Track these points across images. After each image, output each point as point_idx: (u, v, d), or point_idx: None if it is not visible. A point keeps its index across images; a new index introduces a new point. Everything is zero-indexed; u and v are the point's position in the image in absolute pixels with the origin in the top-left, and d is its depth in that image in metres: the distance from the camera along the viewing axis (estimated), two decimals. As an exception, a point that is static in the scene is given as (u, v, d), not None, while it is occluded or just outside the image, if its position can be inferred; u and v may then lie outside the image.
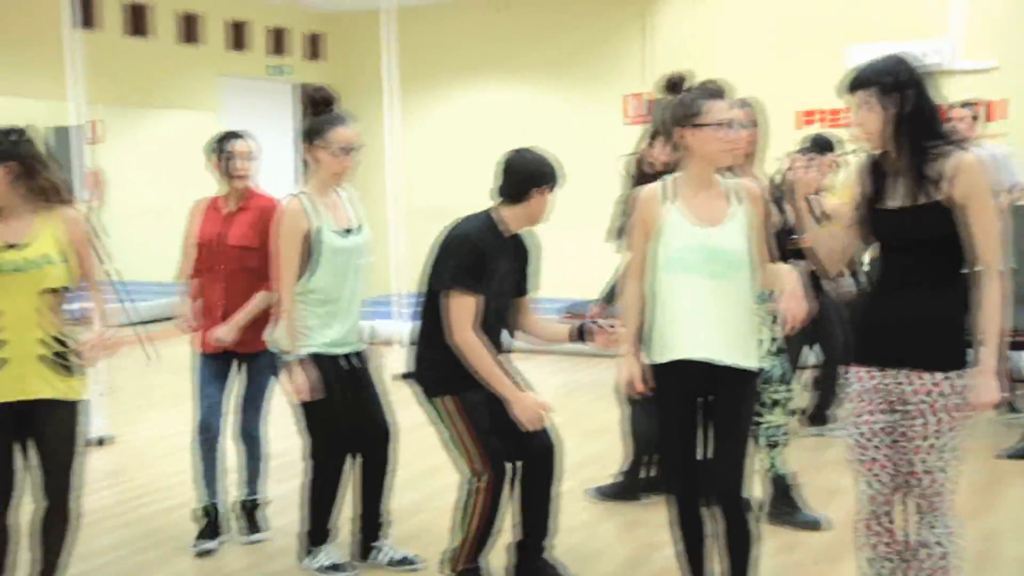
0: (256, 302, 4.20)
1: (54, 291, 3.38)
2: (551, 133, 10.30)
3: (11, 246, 3.31)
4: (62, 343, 3.41)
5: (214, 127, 4.69)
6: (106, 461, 5.75)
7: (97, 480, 5.16)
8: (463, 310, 3.53)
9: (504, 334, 3.79)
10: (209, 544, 4.34)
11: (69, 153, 6.52)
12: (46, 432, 3.42)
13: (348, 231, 3.92)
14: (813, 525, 4.42)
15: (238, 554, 4.32)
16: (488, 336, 3.61)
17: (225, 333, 4.21)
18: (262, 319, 4.16)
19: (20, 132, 3.35)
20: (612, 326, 3.62)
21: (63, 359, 3.41)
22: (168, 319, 9.81)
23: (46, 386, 3.37)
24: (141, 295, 9.88)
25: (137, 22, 9.34)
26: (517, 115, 10.30)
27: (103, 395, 6.11)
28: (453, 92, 10.95)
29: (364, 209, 4.07)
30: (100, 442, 5.99)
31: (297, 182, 11.23)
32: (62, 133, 6.84)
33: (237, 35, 10.31)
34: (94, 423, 5.58)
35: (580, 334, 3.73)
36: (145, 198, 11.56)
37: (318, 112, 3.87)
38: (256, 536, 4.43)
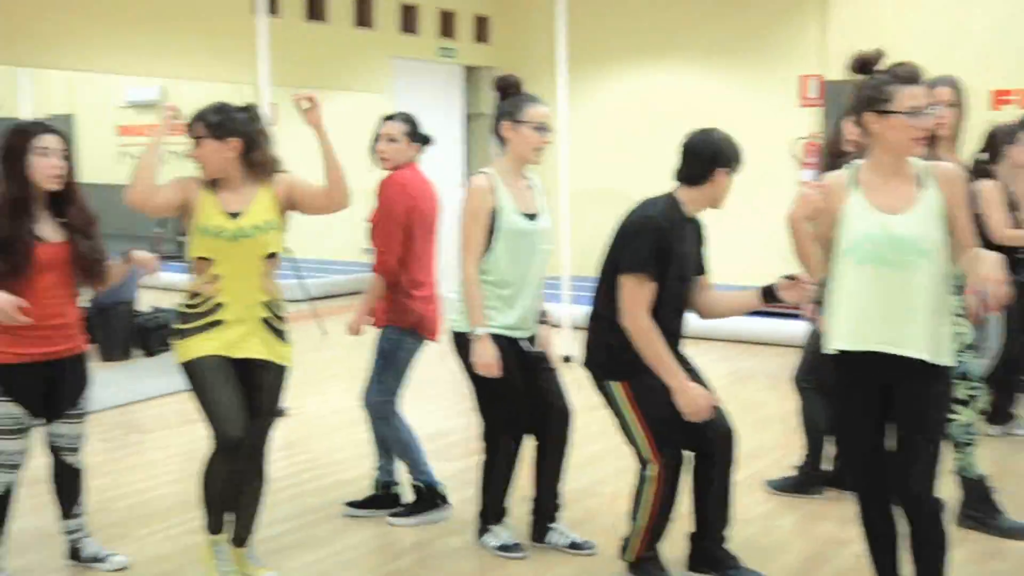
0: (372, 284, 4.32)
1: (270, 256, 3.55)
2: (720, 115, 9.98)
3: (232, 215, 3.49)
4: (275, 310, 3.61)
5: (383, 109, 4.73)
6: (281, 432, 5.91)
7: (273, 450, 5.31)
8: (638, 294, 3.47)
9: (682, 320, 3.70)
10: (351, 510, 4.51)
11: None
12: (256, 392, 3.59)
13: (530, 215, 3.91)
14: (1016, 533, 4.14)
15: (411, 530, 4.36)
16: (668, 322, 3.54)
17: (351, 322, 4.40)
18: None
19: (247, 110, 3.57)
20: (803, 280, 3.42)
21: (277, 324, 3.60)
22: (337, 296, 10.16)
23: (262, 347, 3.57)
24: (313, 272, 10.21)
25: (315, 7, 9.59)
26: (686, 97, 10.08)
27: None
28: (619, 73, 10.79)
29: (545, 198, 4.06)
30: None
31: (466, 163, 11.41)
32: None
33: (408, 18, 10.46)
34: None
35: (768, 295, 3.56)
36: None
37: (508, 95, 3.90)
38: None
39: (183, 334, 3.55)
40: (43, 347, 3.60)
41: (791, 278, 3.48)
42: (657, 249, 3.47)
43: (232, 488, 3.63)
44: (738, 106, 9.61)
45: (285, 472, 5.17)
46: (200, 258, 3.54)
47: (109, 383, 6.84)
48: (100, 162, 13.25)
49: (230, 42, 8.33)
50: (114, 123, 14.01)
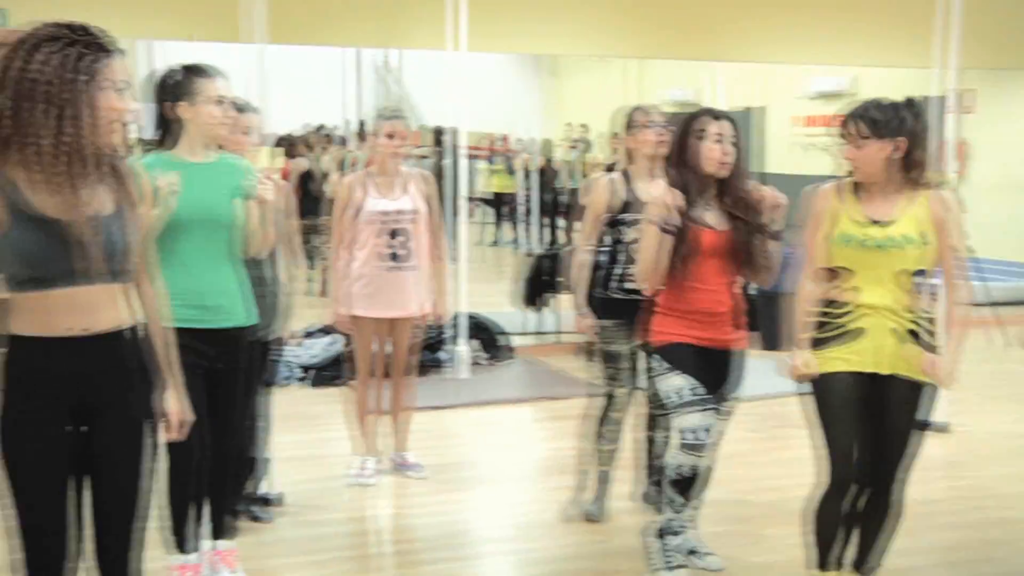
0: None
1: (910, 272, 3.22)
2: None
3: (878, 222, 3.20)
4: (916, 324, 3.24)
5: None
6: (942, 451, 5.36)
7: (930, 470, 4.80)
8: None
9: None
10: None
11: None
12: (890, 411, 3.25)
13: None
14: None
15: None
16: None
17: None
18: None
19: (913, 106, 3.22)
20: None
21: (926, 337, 3.24)
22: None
23: (904, 362, 3.23)
24: (996, 275, 9.24)
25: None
26: None
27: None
28: None
29: None
30: (939, 429, 5.62)
31: None
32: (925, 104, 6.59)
33: None
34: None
35: None
36: (1013, 171, 10.80)
37: None
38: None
39: (816, 344, 3.31)
40: (701, 332, 3.57)
41: None
42: None
43: (839, 526, 3.34)
44: None
45: (940, 496, 4.67)
46: (838, 267, 3.26)
47: (766, 372, 6.82)
48: (783, 152, 13.47)
49: (916, 25, 7.82)
50: (797, 113, 14.10)
